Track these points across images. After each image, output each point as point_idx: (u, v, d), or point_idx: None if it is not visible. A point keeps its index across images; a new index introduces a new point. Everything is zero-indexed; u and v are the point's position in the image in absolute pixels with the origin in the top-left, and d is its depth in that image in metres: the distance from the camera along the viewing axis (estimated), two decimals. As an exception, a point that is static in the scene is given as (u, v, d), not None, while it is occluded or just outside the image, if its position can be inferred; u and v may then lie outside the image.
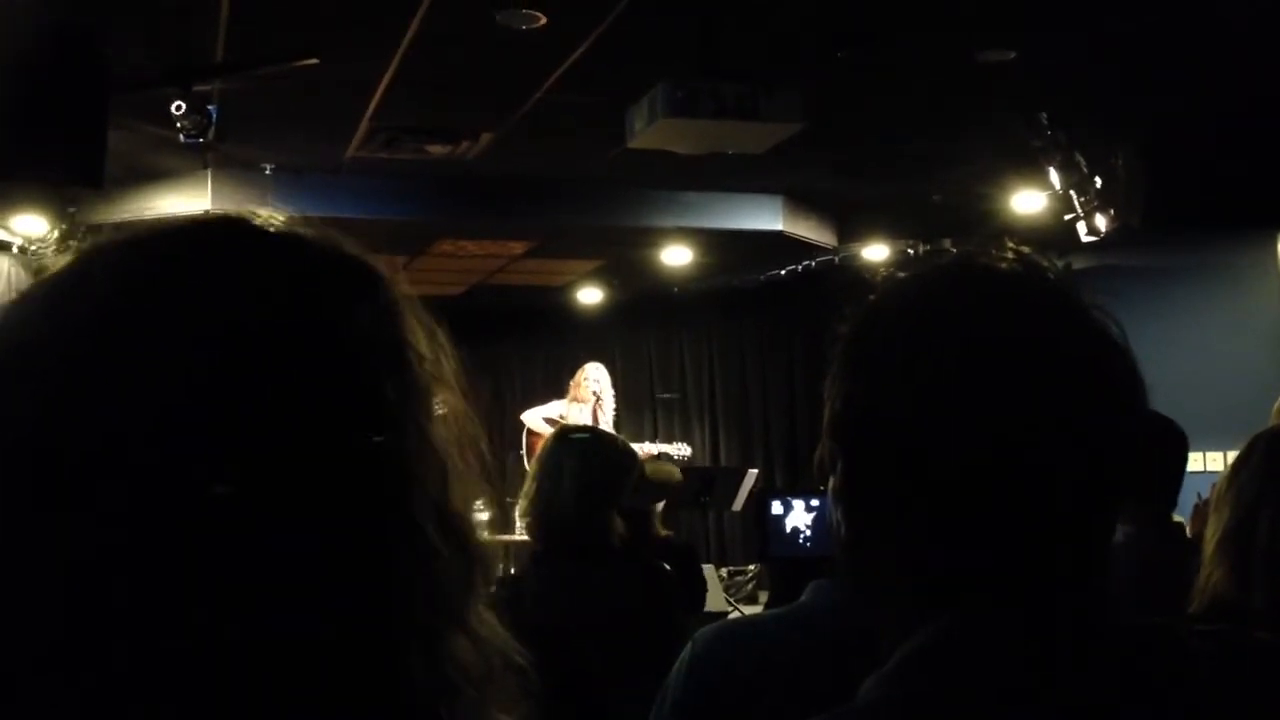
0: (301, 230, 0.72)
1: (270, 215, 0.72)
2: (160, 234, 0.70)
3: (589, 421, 8.22)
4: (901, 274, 1.00)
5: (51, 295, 0.67)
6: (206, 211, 0.76)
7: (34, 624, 0.59)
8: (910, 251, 8.91)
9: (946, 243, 8.67)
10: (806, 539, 2.43)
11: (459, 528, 0.68)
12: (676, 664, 1.79)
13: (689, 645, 1.80)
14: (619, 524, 3.00)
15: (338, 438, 0.64)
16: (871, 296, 0.99)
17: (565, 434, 3.22)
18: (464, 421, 0.72)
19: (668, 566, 3.21)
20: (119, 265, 0.67)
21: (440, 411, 0.70)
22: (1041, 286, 0.95)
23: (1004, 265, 0.96)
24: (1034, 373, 0.90)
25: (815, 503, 2.40)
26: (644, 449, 8.65)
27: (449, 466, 0.69)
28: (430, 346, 0.71)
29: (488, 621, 0.70)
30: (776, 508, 2.43)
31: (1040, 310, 0.94)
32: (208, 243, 0.69)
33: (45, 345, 0.64)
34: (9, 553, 0.60)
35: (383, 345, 0.68)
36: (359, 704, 0.63)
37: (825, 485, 1.00)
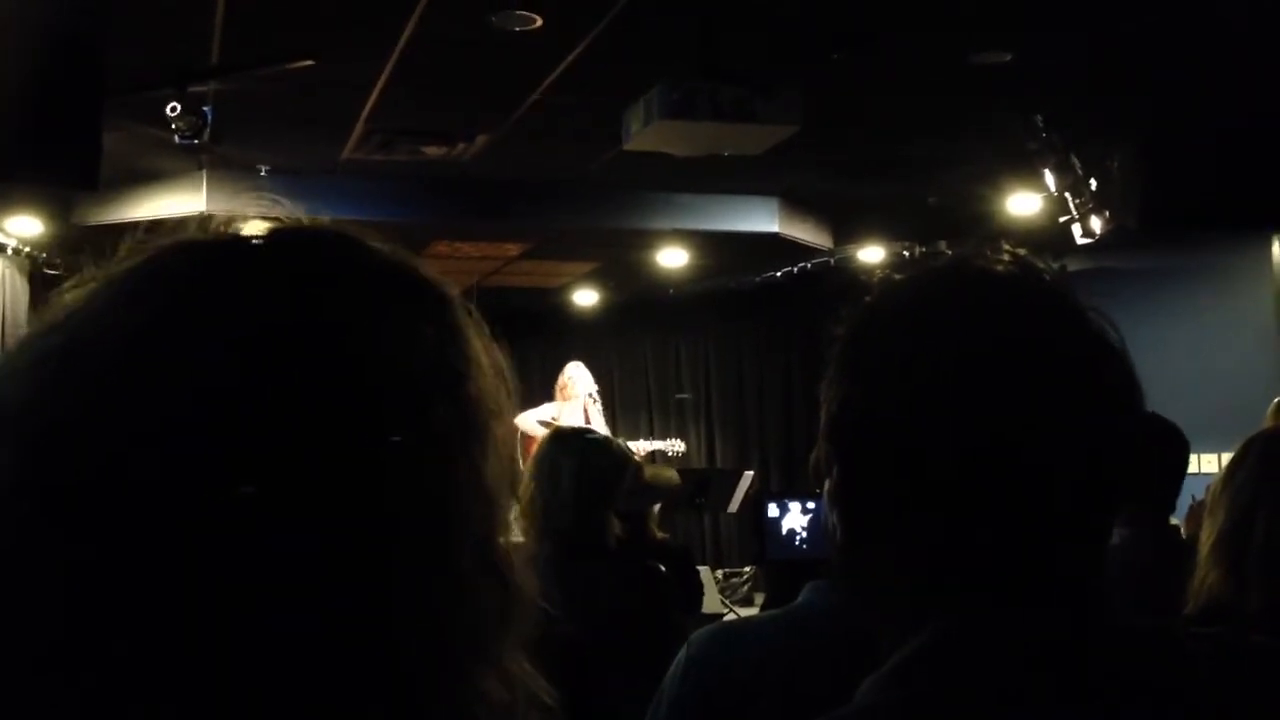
0: (366, 243, 0.70)
1: (344, 229, 0.70)
2: (217, 244, 0.69)
3: (581, 420, 8.22)
4: (897, 276, 1.00)
5: (108, 294, 0.67)
6: (279, 219, 0.72)
7: (34, 624, 0.59)
8: (906, 253, 8.91)
9: (942, 245, 8.66)
10: (803, 541, 2.43)
11: (501, 565, 0.68)
12: (672, 666, 1.79)
13: (685, 647, 1.80)
14: (615, 524, 3.00)
15: (350, 448, 0.63)
16: (868, 298, 0.99)
17: (561, 434, 3.21)
18: (512, 461, 0.71)
19: (663, 568, 3.21)
20: (168, 273, 0.67)
21: (497, 447, 0.68)
22: (1037, 288, 0.96)
23: (1000, 267, 0.96)
24: (1030, 374, 0.90)
25: (811, 505, 2.40)
26: (638, 446, 8.65)
27: (497, 504, 0.68)
28: (493, 381, 0.70)
29: (519, 660, 0.69)
30: (773, 510, 2.43)
31: (1036, 312, 0.94)
32: (260, 256, 0.68)
33: (86, 349, 0.64)
34: (10, 551, 0.60)
35: (433, 368, 0.67)
36: (358, 705, 0.62)
37: (821, 488, 1.00)
